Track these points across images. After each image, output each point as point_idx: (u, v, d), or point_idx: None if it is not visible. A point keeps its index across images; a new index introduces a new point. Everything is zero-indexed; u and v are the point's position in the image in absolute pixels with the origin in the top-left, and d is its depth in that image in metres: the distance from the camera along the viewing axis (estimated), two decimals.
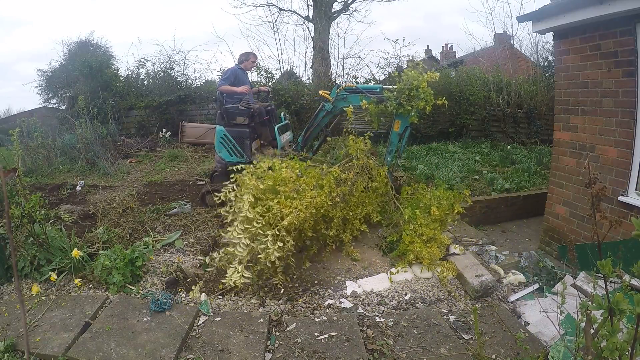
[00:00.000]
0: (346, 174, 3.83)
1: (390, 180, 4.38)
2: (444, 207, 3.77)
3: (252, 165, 3.47)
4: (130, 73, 9.69)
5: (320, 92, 5.23)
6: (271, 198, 3.17)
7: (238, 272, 2.80)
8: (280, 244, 2.93)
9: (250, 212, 2.98)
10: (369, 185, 4.02)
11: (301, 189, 3.30)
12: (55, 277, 2.90)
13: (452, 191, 4.09)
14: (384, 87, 4.51)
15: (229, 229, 3.06)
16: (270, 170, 3.42)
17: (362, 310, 2.93)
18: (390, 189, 4.26)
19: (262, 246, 2.88)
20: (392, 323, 2.75)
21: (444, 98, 4.29)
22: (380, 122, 4.71)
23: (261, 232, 2.93)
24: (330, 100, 4.86)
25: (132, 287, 2.97)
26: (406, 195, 4.24)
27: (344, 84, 5.02)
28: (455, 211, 3.83)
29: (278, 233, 2.94)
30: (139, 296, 2.90)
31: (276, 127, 4.87)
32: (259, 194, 3.19)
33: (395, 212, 4.05)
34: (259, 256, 2.91)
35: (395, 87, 4.29)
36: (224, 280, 2.85)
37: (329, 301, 3.03)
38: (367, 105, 4.38)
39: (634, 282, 2.81)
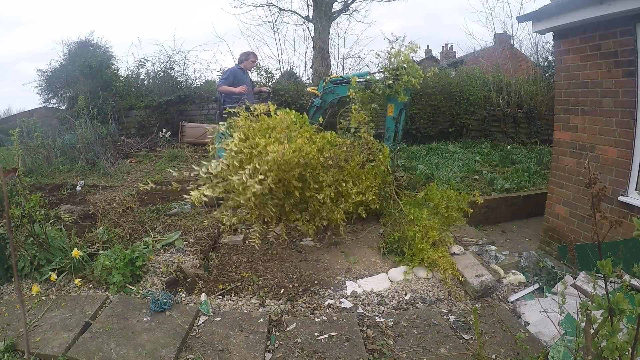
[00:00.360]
0: (342, 139, 3.62)
1: (392, 170, 4.19)
2: (454, 207, 3.67)
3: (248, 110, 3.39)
4: (130, 73, 9.70)
5: (309, 88, 5.18)
6: (260, 137, 3.13)
7: (200, 192, 2.87)
8: (262, 177, 2.88)
9: (236, 146, 2.99)
10: (371, 164, 3.77)
11: (293, 135, 3.19)
12: (55, 277, 2.90)
13: (461, 192, 3.98)
14: (370, 72, 4.45)
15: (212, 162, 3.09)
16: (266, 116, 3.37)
17: (362, 310, 2.93)
18: (392, 182, 4.07)
19: (239, 178, 2.88)
20: (392, 323, 2.75)
21: (434, 68, 4.20)
22: (373, 110, 4.60)
23: (241, 166, 2.94)
24: (319, 95, 4.81)
25: (132, 287, 2.97)
26: (421, 197, 3.99)
27: (329, 77, 4.92)
28: (462, 214, 3.77)
29: (258, 167, 2.88)
30: (139, 296, 2.90)
31: None
32: (249, 133, 3.16)
33: (394, 207, 3.94)
34: (236, 187, 2.90)
35: (382, 70, 4.22)
36: (223, 279, 2.85)
37: (329, 301, 3.03)
38: (353, 95, 4.27)
39: (634, 282, 2.81)
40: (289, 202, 3.34)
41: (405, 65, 4.07)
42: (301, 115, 3.62)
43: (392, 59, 4.12)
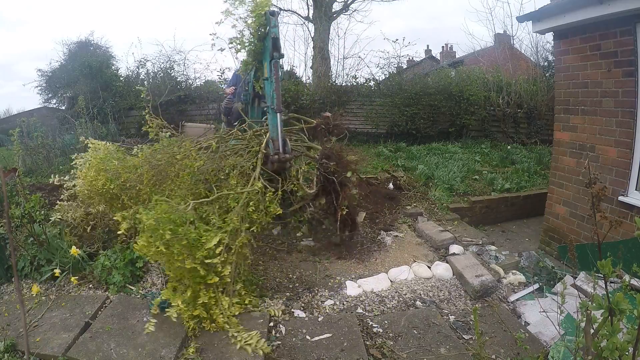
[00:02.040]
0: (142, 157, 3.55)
1: (272, 150, 3.42)
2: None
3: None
4: (130, 73, 9.68)
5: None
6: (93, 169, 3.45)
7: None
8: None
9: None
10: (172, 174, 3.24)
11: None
12: (59, 273, 2.89)
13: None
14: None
15: None
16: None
17: (362, 310, 2.93)
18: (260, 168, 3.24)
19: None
20: (392, 323, 2.75)
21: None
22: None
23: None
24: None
25: (132, 287, 2.97)
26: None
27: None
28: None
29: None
30: (139, 296, 2.90)
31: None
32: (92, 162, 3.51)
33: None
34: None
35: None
36: None
37: (329, 301, 3.03)
38: (241, 72, 4.11)
39: (634, 282, 2.81)
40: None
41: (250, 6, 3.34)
42: (118, 147, 3.88)
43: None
